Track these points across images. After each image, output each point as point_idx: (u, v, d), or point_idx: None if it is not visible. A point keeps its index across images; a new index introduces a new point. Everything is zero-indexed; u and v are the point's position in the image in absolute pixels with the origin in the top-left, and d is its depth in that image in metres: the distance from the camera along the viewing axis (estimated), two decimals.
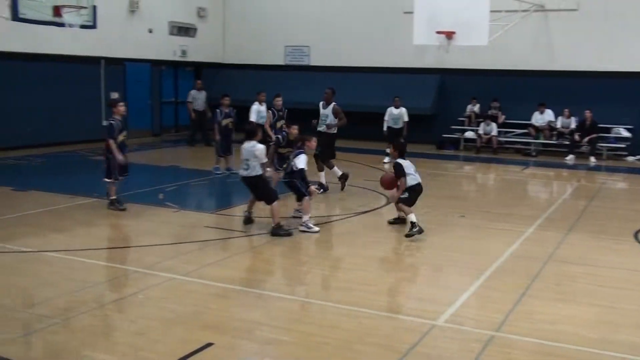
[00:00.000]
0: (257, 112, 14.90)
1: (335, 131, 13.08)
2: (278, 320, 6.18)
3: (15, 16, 14.11)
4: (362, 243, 9.17)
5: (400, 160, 9.81)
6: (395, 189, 9.87)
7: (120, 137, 10.66)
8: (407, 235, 9.25)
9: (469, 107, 21.10)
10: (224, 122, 14.63)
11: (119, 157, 10.48)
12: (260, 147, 9.56)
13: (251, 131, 9.82)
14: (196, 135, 20.29)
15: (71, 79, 18.70)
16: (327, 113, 13.01)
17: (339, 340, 5.73)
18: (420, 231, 9.22)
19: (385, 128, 17.48)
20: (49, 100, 18.09)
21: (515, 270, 7.97)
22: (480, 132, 20.22)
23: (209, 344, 5.52)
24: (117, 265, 7.86)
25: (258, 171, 9.48)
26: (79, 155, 17.30)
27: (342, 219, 10.69)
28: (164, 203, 11.46)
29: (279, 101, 14.31)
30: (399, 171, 9.70)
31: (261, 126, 13.12)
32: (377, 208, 11.58)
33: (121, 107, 10.77)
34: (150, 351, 5.43)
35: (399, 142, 10.59)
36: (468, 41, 17.25)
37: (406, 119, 17.29)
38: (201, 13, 23.67)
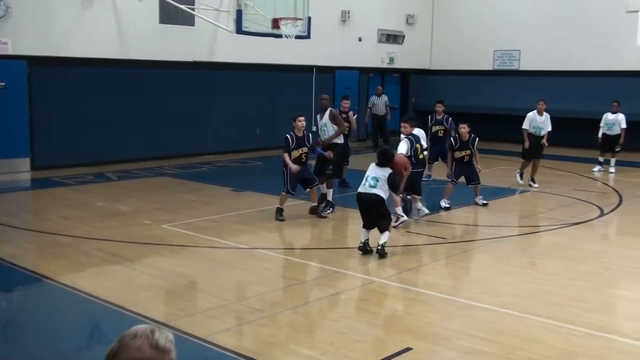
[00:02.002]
0: (531, 120, 14.20)
1: (341, 141, 11.60)
2: (479, 331, 6.03)
3: (239, 29, 15.26)
4: (575, 256, 8.65)
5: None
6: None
7: (295, 153, 10.39)
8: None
9: None
10: (434, 128, 14.35)
11: (293, 167, 10.19)
12: None
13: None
14: (378, 139, 20.46)
15: (285, 86, 19.78)
16: (325, 122, 11.53)
17: (544, 356, 5.45)
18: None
19: (600, 134, 16.26)
20: (266, 107, 19.29)
21: None
22: None
23: (408, 349, 5.53)
24: (321, 265, 8.16)
25: None
26: None
27: (551, 229, 10.18)
28: None
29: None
30: None
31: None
32: (590, 220, 10.87)
33: (299, 122, 10.41)
34: (350, 350, 5.56)
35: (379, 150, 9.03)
36: None
37: (624, 125, 15.83)
38: (410, 20, 23.86)
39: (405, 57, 23.78)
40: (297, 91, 20.18)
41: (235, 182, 14.17)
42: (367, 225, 8.57)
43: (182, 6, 16.17)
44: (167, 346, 2.19)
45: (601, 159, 16.26)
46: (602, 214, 11.28)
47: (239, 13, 15.15)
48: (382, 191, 8.46)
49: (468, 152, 11.63)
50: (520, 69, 22.67)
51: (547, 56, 21.77)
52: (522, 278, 7.82)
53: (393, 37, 23.30)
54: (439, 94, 23.14)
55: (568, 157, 18.20)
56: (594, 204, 11.92)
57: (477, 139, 11.70)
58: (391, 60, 23.34)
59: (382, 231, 8.44)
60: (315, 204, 10.62)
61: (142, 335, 2.17)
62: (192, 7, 16.79)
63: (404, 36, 23.68)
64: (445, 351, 5.68)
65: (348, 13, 21.40)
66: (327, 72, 21.11)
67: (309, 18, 16.22)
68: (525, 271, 8.19)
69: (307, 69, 20.42)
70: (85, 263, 8.08)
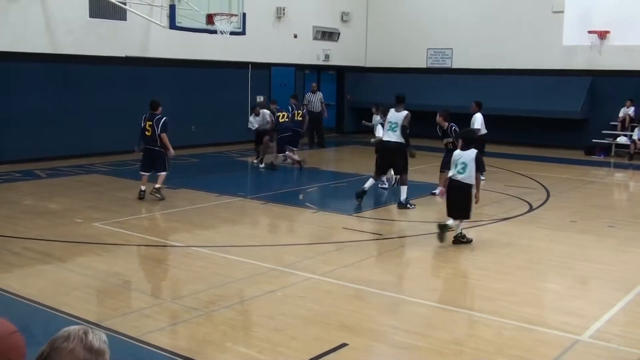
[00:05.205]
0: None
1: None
2: (413, 325, 6.14)
3: (173, 25, 15.04)
4: (505, 251, 8.90)
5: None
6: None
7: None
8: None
9: (623, 110, 19.82)
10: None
11: (172, 150, 11.72)
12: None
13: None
14: (314, 136, 20.67)
15: (221, 83, 19.62)
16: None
17: (476, 349, 5.60)
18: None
19: None
20: (201, 104, 19.07)
21: None
22: (635, 137, 18.99)
23: (344, 345, 5.58)
24: (258, 263, 8.14)
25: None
26: (227, 156, 18.09)
27: (483, 225, 10.43)
28: (303, 204, 11.73)
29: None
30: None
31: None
32: (519, 215, 11.20)
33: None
34: (286, 347, 5.58)
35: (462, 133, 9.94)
36: (624, 40, 16.31)
37: (477, 125, 14.68)
38: (345, 17, 24.01)
39: (341, 54, 23.93)
40: (232, 88, 20.06)
41: (170, 179, 13.94)
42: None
43: (114, 0, 15.82)
44: (101, 347, 2.14)
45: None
46: (531, 209, 11.63)
47: (172, 8, 14.95)
48: (470, 177, 8.70)
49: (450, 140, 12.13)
50: (453, 67, 23.13)
51: (478, 55, 22.27)
52: (454, 273, 8.00)
53: (328, 34, 23.41)
54: (374, 91, 23.42)
55: (498, 154, 18.65)
56: (523, 200, 12.28)
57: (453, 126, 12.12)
58: (327, 57, 23.45)
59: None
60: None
61: (75, 337, 2.11)
62: (124, 1, 16.44)
63: (339, 33, 23.82)
64: (381, 346, 5.75)
65: (283, 10, 21.37)
66: (263, 69, 21.04)
67: (244, 14, 16.15)
68: (457, 266, 8.38)
69: (242, 66, 20.30)
70: (13, 263, 7.83)
